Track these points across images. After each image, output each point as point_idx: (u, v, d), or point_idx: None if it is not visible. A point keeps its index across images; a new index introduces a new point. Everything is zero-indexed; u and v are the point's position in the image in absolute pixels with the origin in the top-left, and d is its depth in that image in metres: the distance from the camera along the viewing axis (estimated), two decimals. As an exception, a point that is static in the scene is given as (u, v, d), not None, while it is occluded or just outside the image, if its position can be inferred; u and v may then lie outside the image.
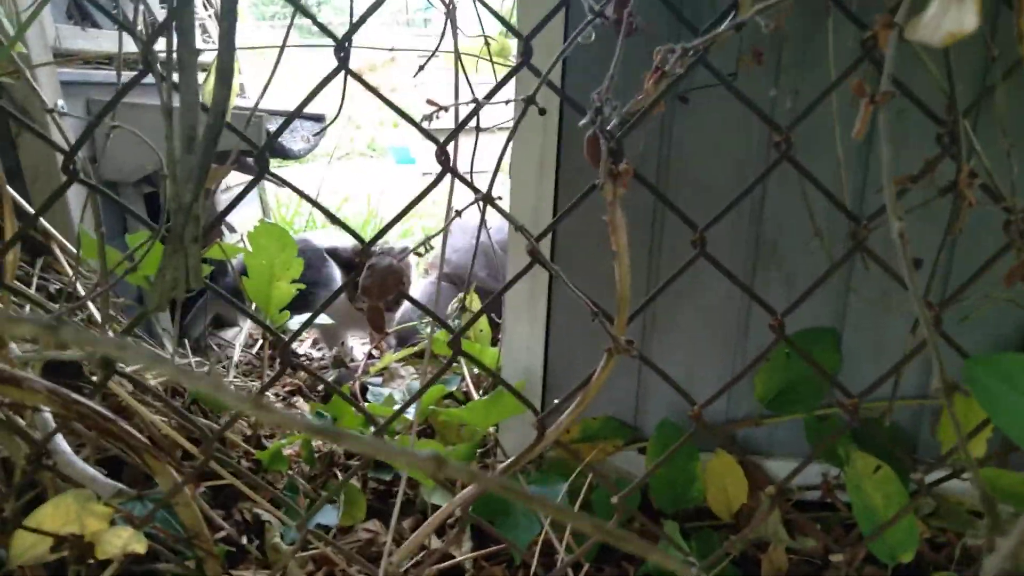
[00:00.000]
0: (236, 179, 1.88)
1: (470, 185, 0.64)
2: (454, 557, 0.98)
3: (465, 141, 0.83)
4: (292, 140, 1.59)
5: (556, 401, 0.86)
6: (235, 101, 1.38)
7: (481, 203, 0.66)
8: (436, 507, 1.05)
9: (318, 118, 1.80)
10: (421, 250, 0.72)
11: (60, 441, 0.67)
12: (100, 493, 0.66)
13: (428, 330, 1.37)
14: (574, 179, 1.04)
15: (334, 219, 0.63)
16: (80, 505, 0.69)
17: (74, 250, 0.99)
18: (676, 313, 1.11)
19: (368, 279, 0.53)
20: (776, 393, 1.10)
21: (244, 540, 0.90)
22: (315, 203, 0.64)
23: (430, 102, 0.60)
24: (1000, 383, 0.66)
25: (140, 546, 0.68)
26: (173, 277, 0.56)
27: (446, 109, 0.60)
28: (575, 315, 1.11)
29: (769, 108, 1.04)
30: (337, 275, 1.67)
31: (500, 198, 0.65)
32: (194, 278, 0.59)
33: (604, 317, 0.68)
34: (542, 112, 0.67)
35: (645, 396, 1.17)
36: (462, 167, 1.03)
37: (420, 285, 1.67)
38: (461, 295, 1.33)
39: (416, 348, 1.37)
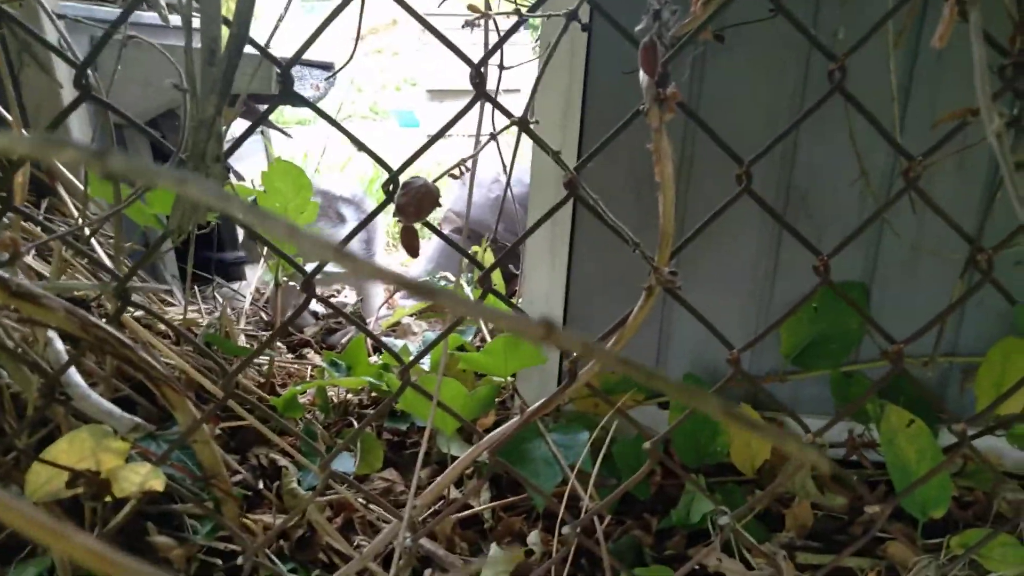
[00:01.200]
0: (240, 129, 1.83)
1: (504, 110, 0.60)
2: (472, 507, 0.96)
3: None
4: (302, 87, 1.54)
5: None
6: (248, 49, 1.33)
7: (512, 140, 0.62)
8: (454, 457, 1.03)
9: (327, 66, 1.75)
10: (456, 172, 0.69)
11: (74, 374, 0.64)
12: (117, 428, 0.63)
13: (443, 283, 1.34)
14: (599, 122, 1.00)
15: (361, 146, 0.60)
16: (96, 441, 0.66)
17: (80, 187, 0.96)
18: (700, 264, 1.08)
19: (403, 197, 0.50)
20: (802, 349, 1.07)
21: (260, 485, 0.88)
22: (339, 127, 0.61)
23: (471, 8, 0.56)
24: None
25: (158, 483, 0.65)
26: (190, 204, 0.53)
27: (487, 16, 0.56)
28: (598, 263, 1.08)
29: (808, 51, 1.00)
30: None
31: (537, 121, 0.61)
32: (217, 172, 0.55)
33: (640, 254, 0.64)
34: (585, 28, 0.63)
35: (666, 351, 1.14)
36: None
37: (435, 239, 1.64)
38: (478, 246, 1.30)
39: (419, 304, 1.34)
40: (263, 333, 1.28)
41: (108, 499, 0.67)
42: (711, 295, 1.09)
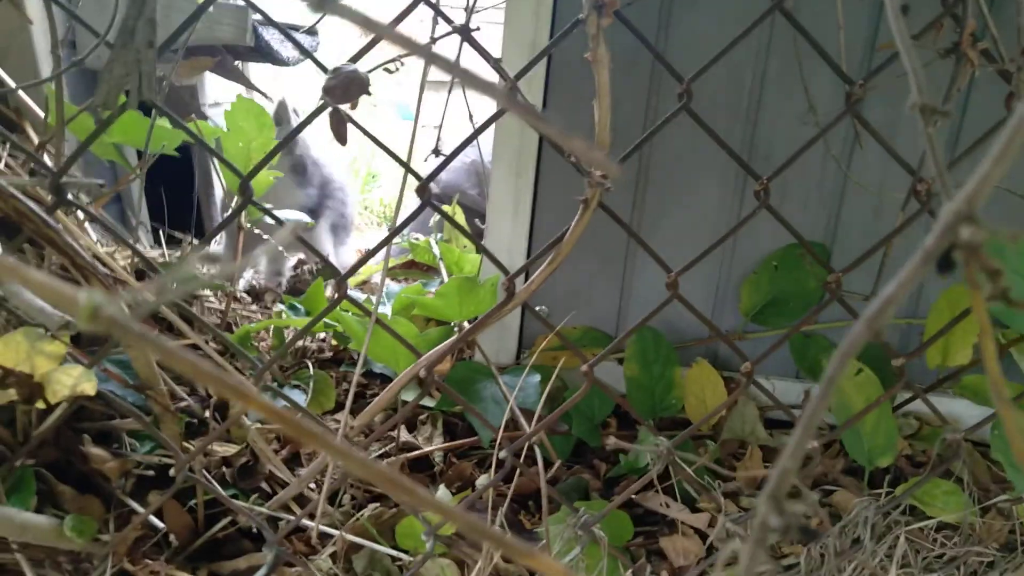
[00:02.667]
0: (227, 95, 1.83)
1: (444, 16, 0.60)
2: (422, 451, 0.95)
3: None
4: (283, 48, 1.54)
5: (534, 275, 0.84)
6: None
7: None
8: (407, 403, 1.03)
9: (313, 32, 1.75)
10: (392, 67, 0.69)
11: (8, 272, 0.64)
12: (48, 325, 0.63)
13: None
14: (563, 64, 1.00)
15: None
16: (30, 344, 0.66)
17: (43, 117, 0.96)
18: (663, 223, 1.08)
19: (332, 81, 0.50)
20: (762, 307, 1.07)
21: (207, 415, 0.88)
22: (320, 65, 0.61)
23: None
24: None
25: (90, 386, 0.65)
26: (121, 74, 0.52)
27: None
28: (560, 213, 1.07)
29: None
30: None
31: (478, 28, 0.61)
32: (147, 87, 0.55)
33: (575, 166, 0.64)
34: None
35: (627, 309, 1.14)
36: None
37: (413, 203, 1.64)
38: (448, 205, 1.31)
39: (396, 261, 1.34)
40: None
41: (41, 404, 0.66)
42: (674, 251, 1.09)
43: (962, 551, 0.79)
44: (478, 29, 0.61)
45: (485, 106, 1.19)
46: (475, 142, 1.52)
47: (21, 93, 1.00)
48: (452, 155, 0.66)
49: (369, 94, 0.52)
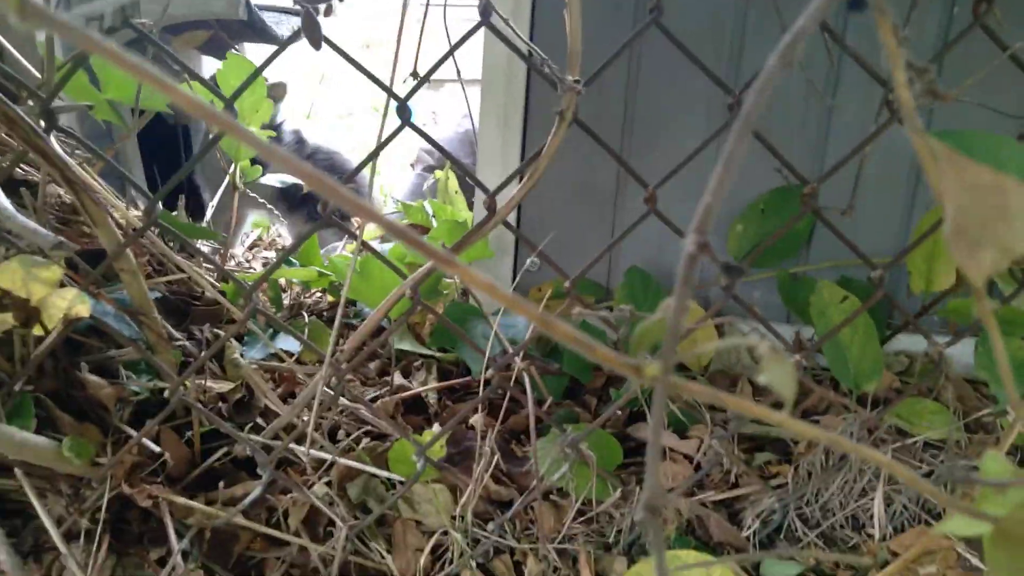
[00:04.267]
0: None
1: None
2: (414, 391, 0.97)
3: None
4: (276, 26, 1.57)
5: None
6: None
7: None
8: (403, 353, 1.05)
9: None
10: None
11: (0, 198, 0.66)
12: (42, 245, 0.65)
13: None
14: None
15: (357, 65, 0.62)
16: (26, 270, 0.68)
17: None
18: (650, 157, 1.09)
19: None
20: (749, 249, 1.08)
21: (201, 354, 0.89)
22: (341, 51, 0.62)
23: None
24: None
25: (83, 308, 0.67)
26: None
27: None
28: (548, 165, 1.09)
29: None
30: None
31: None
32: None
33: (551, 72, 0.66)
34: None
35: (617, 259, 1.16)
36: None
37: (408, 176, 1.67)
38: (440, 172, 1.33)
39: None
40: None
41: (38, 330, 0.69)
42: (663, 195, 1.11)
43: (948, 466, 0.79)
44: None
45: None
46: (468, 112, 1.54)
47: (18, 56, 1.02)
48: (428, 74, 0.68)
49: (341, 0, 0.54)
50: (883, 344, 1.04)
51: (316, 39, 0.55)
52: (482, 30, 0.65)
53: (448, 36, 0.91)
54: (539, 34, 1.03)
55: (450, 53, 0.68)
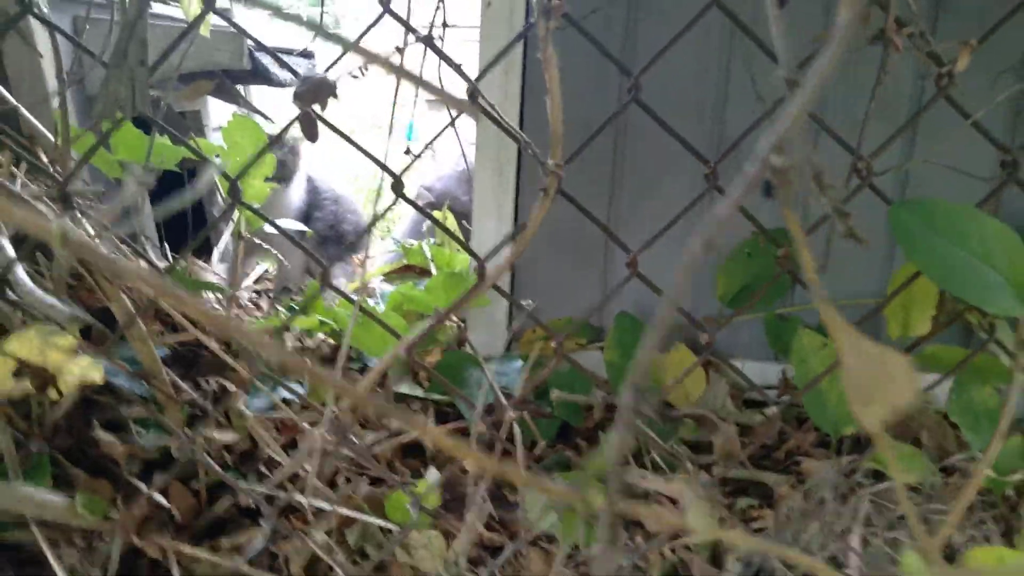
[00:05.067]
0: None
1: (402, 21, 0.67)
2: (412, 436, 1.01)
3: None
4: (279, 71, 1.62)
5: (522, 308, 0.89)
6: (216, 24, 1.41)
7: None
8: (402, 395, 1.09)
9: (308, 55, 1.83)
10: (356, 73, 0.74)
11: (20, 272, 0.71)
12: (58, 319, 0.69)
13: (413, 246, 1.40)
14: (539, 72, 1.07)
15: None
16: (43, 339, 0.72)
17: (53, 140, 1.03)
18: (636, 218, 1.13)
19: (302, 86, 0.56)
20: (737, 291, 1.12)
21: (210, 407, 0.93)
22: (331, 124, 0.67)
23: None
24: (921, 224, 0.68)
25: (97, 374, 0.71)
26: (115, 90, 0.59)
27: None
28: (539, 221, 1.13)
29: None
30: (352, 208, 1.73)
31: (440, 37, 0.68)
32: (140, 100, 0.62)
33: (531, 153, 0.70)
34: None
35: (609, 302, 1.19)
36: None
37: (409, 212, 1.71)
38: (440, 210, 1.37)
39: (392, 266, 1.40)
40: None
41: (54, 395, 0.73)
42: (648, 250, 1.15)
43: (923, 509, 0.83)
44: (440, 38, 0.67)
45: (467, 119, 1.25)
46: (463, 154, 1.58)
47: (32, 120, 1.07)
48: (422, 152, 0.72)
49: (336, 97, 0.59)
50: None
51: (312, 134, 0.59)
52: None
53: (452, 116, 0.96)
54: (530, 91, 1.08)
55: (448, 126, 0.73)
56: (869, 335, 0.76)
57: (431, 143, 0.71)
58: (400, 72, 0.54)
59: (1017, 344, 0.71)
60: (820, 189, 0.30)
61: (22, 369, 0.70)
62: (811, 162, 0.30)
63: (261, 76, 1.55)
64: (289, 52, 1.81)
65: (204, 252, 1.66)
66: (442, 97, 0.67)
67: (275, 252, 1.35)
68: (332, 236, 1.69)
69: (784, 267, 0.75)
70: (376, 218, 0.71)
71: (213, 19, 1.30)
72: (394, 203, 0.70)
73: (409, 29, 0.68)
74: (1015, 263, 0.68)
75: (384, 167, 0.71)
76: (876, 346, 0.26)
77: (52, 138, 1.12)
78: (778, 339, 1.12)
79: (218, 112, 1.82)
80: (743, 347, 1.18)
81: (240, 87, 1.66)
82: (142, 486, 0.80)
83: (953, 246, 0.70)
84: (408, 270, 1.40)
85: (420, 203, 1.81)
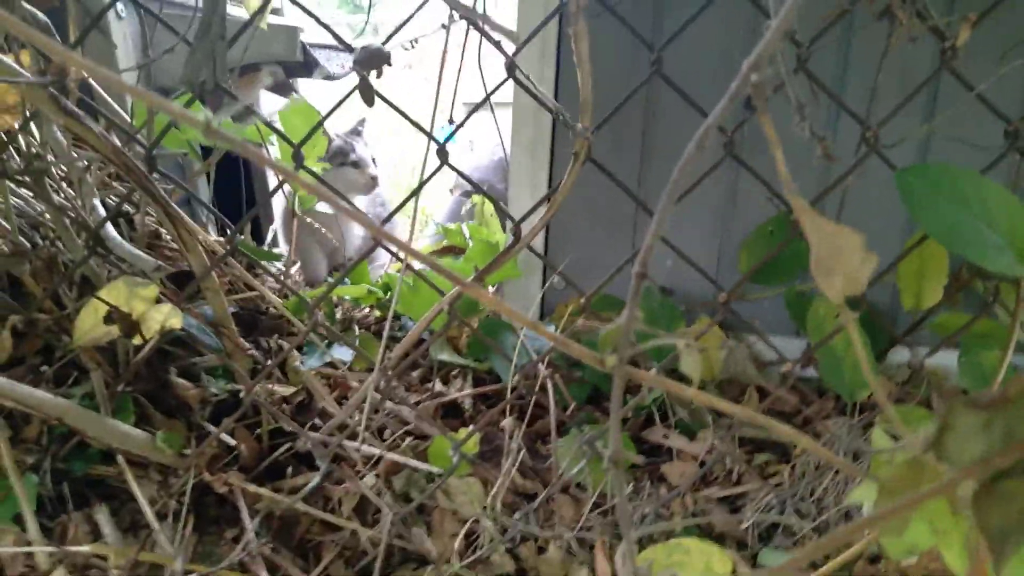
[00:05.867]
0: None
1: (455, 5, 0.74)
2: (448, 395, 1.08)
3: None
4: (329, 64, 1.72)
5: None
6: (272, 19, 1.51)
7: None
8: (443, 363, 1.16)
9: (352, 49, 1.92)
10: (407, 45, 0.82)
11: (110, 229, 0.80)
12: (144, 268, 0.79)
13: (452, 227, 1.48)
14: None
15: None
16: (129, 289, 0.81)
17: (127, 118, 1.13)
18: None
19: (361, 54, 0.65)
20: (759, 269, 1.17)
21: (269, 362, 1.02)
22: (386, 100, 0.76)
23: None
24: (926, 188, 0.74)
25: (177, 320, 0.80)
26: (199, 59, 0.68)
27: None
28: (576, 188, 1.20)
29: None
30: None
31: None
32: (220, 72, 0.71)
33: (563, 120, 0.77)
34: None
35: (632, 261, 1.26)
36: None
37: (447, 200, 1.80)
38: (477, 197, 1.45)
39: (434, 247, 1.48)
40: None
41: (138, 340, 0.82)
42: (674, 218, 1.21)
43: (849, 439, 0.87)
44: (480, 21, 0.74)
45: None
46: (501, 142, 1.65)
47: (111, 101, 1.18)
48: (464, 120, 0.80)
49: (390, 64, 0.67)
50: (883, 356, 1.12)
51: (370, 99, 0.67)
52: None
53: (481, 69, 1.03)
54: (564, 76, 1.15)
55: (484, 101, 0.80)
56: (887, 307, 0.82)
57: (473, 112, 0.78)
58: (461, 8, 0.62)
59: (1016, 302, 0.75)
60: (801, 117, 0.36)
61: (111, 316, 0.79)
62: (794, 95, 0.36)
63: (311, 69, 1.65)
64: (336, 48, 1.91)
65: (255, 240, 1.76)
66: (493, 27, 0.74)
67: (325, 231, 1.44)
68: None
69: (797, 231, 0.81)
70: (422, 183, 0.79)
71: (270, 14, 1.40)
72: (438, 169, 0.78)
73: (453, 6, 0.75)
74: (1015, 225, 0.73)
75: (430, 135, 0.78)
76: (835, 225, 0.32)
77: (128, 119, 1.22)
78: (799, 314, 1.17)
79: (269, 105, 1.93)
80: (765, 323, 1.23)
81: (292, 81, 1.77)
82: (212, 428, 0.88)
83: (956, 208, 0.75)
84: (449, 251, 1.48)
85: (459, 191, 1.90)
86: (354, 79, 0.74)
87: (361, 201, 1.75)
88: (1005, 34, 0.94)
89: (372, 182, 1.60)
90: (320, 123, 0.78)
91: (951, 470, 0.30)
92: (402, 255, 1.01)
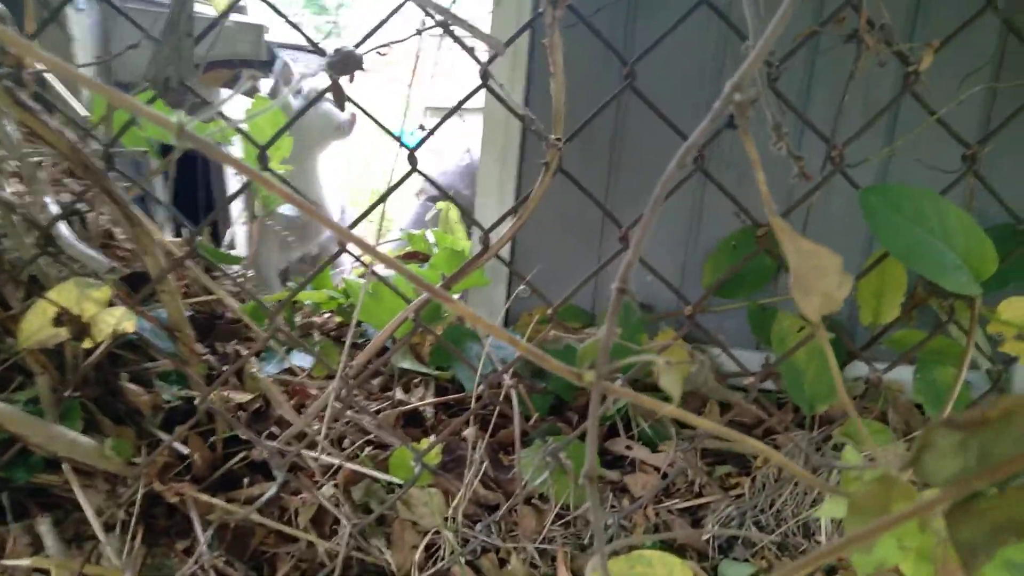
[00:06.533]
0: (241, 111, 1.98)
1: (429, 12, 0.74)
2: (410, 403, 1.07)
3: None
4: (294, 65, 1.69)
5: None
6: (237, 17, 1.48)
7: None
8: (404, 371, 1.15)
9: (321, 52, 1.90)
10: (381, 51, 0.80)
11: (63, 228, 0.77)
12: (97, 269, 0.75)
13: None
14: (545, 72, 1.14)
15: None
16: (80, 290, 0.78)
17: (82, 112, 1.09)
18: (633, 205, 1.20)
19: (334, 58, 0.63)
20: (722, 283, 1.18)
21: (225, 368, 0.99)
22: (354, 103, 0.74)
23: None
24: (887, 206, 0.75)
25: (130, 324, 0.77)
26: (165, 56, 0.65)
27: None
28: (544, 195, 1.20)
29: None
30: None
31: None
32: (186, 70, 0.68)
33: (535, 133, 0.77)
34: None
35: (602, 287, 1.26)
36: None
37: (411, 206, 1.79)
38: (441, 204, 1.44)
39: (396, 252, 1.47)
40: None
41: (88, 343, 0.79)
42: (647, 236, 1.22)
43: (820, 457, 0.89)
44: (453, 30, 0.74)
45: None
46: (469, 150, 1.65)
47: (68, 97, 1.14)
48: (436, 127, 0.79)
49: (363, 69, 0.65)
50: (841, 369, 1.14)
51: (341, 103, 0.66)
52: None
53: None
54: (535, 84, 1.15)
55: (456, 108, 0.79)
56: (847, 322, 0.83)
57: (446, 118, 0.77)
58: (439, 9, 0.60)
59: (971, 321, 0.77)
60: (778, 136, 0.36)
61: (61, 318, 0.76)
62: (771, 115, 0.37)
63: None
64: (302, 48, 1.89)
65: (213, 241, 1.72)
66: (474, 33, 0.73)
67: (285, 234, 1.42)
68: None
69: (764, 246, 0.82)
70: (391, 189, 0.77)
71: (234, 12, 1.37)
72: (408, 174, 0.77)
73: (428, 14, 0.74)
74: (971, 245, 0.75)
75: (400, 140, 0.77)
76: (814, 245, 0.32)
77: (85, 113, 1.18)
78: (760, 328, 1.18)
79: (230, 103, 1.89)
80: (727, 336, 1.24)
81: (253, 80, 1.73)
82: (164, 435, 0.85)
83: (916, 228, 0.77)
84: (412, 256, 1.46)
85: (424, 196, 1.89)
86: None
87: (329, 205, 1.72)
88: (964, 61, 0.97)
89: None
90: (287, 126, 0.77)
91: (926, 489, 0.30)
92: (367, 259, 1.00)
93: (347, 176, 3.59)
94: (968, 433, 0.27)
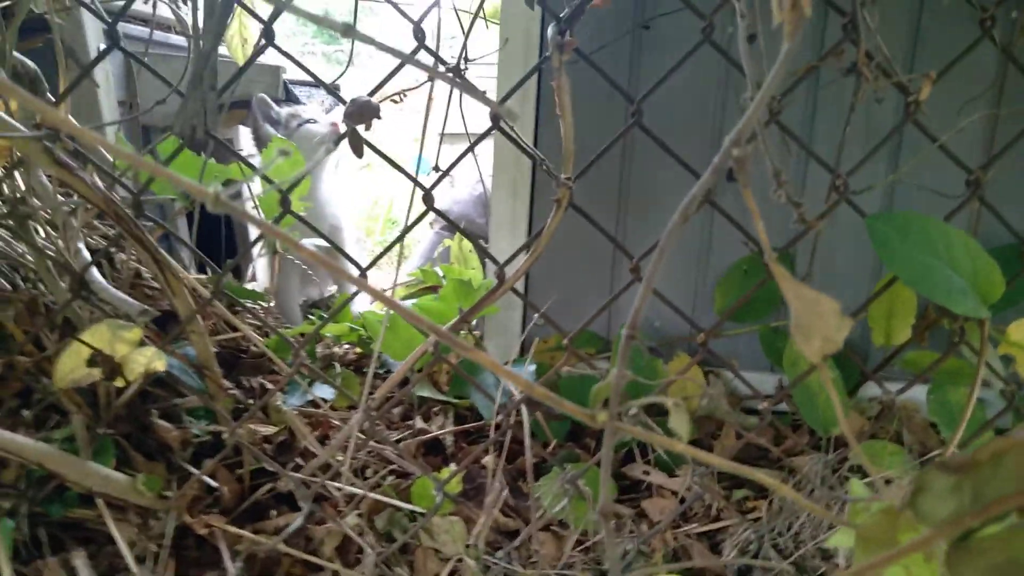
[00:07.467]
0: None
1: (439, 59, 0.77)
2: (432, 432, 1.09)
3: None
4: (310, 105, 1.74)
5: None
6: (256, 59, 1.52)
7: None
8: (424, 399, 1.17)
9: (335, 89, 1.94)
10: (396, 98, 0.84)
11: (94, 272, 0.80)
12: (130, 313, 0.79)
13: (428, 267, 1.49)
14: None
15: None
16: (112, 332, 0.81)
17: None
18: (643, 235, 1.23)
19: (350, 107, 0.66)
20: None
21: (251, 402, 1.02)
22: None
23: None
24: (895, 233, 0.77)
25: (160, 363, 0.80)
26: (191, 111, 0.69)
27: None
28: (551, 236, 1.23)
29: (727, 44, 1.17)
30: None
31: (467, 69, 0.77)
32: (211, 120, 0.72)
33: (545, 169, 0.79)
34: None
35: (617, 314, 1.28)
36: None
37: (426, 235, 1.82)
38: (455, 236, 1.46)
39: (412, 288, 1.49)
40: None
41: (120, 382, 0.82)
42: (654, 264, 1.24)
43: (824, 489, 0.90)
44: (467, 69, 0.77)
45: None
46: (481, 178, 1.68)
47: (96, 141, 1.18)
48: (450, 168, 0.82)
49: (380, 118, 0.68)
50: (855, 391, 1.15)
51: (359, 150, 0.69)
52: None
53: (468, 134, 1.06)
54: (544, 117, 1.18)
55: (468, 151, 0.82)
56: (859, 344, 0.85)
57: (457, 161, 0.80)
58: (445, 78, 0.63)
59: (981, 342, 0.79)
60: (778, 184, 0.39)
61: (94, 358, 0.79)
62: (772, 162, 0.39)
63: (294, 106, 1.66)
64: (315, 85, 1.93)
65: (235, 276, 1.76)
66: (476, 96, 0.76)
67: (305, 268, 1.45)
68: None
69: (770, 275, 0.83)
70: (407, 229, 0.80)
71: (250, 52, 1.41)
72: (424, 214, 0.79)
73: (439, 60, 0.77)
74: (978, 269, 0.77)
75: (416, 181, 0.80)
76: (814, 292, 0.34)
77: (111, 159, 1.22)
78: (773, 350, 1.20)
79: (247, 141, 1.93)
80: (740, 359, 1.26)
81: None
82: (193, 470, 0.88)
83: (924, 253, 0.78)
84: (427, 291, 1.49)
85: (438, 226, 1.92)
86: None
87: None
88: (965, 87, 0.98)
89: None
90: (307, 172, 0.80)
91: (926, 527, 0.31)
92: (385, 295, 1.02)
93: (362, 206, 3.65)
94: (961, 475, 0.29)
